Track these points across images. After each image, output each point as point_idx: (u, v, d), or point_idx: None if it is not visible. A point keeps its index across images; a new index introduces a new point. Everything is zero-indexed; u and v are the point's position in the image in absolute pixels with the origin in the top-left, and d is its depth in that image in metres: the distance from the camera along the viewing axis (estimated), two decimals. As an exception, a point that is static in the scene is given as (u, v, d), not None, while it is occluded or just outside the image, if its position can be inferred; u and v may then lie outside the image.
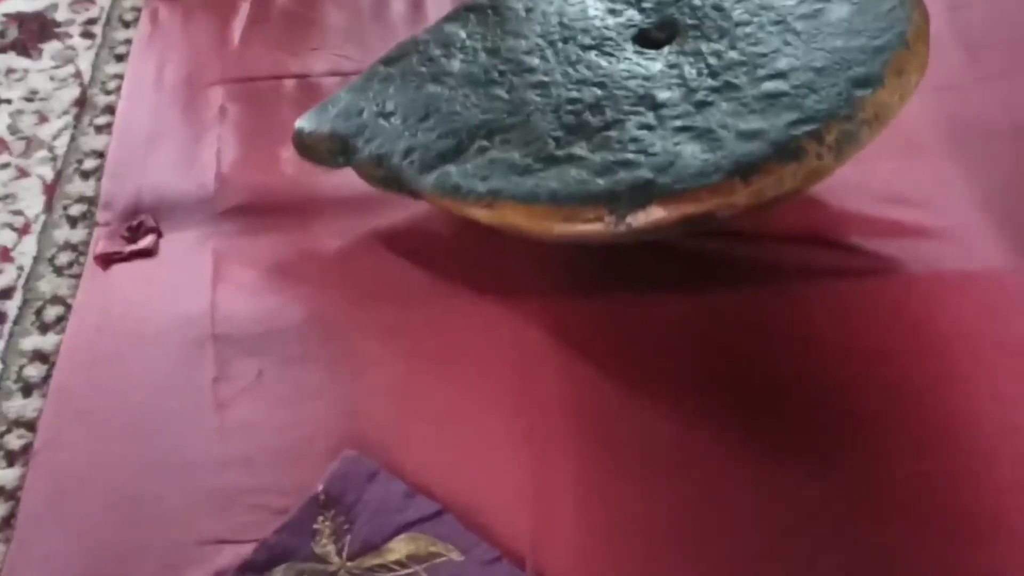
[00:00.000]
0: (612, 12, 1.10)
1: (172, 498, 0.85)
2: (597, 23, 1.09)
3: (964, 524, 0.79)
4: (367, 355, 0.95)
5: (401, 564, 0.80)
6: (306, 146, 1.08)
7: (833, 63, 0.97)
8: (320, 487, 0.85)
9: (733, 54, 1.01)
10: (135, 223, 1.08)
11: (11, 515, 0.85)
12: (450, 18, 1.14)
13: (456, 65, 1.08)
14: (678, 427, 0.88)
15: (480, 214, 0.96)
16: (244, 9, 1.34)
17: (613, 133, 0.98)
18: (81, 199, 1.13)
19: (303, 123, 1.08)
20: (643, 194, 0.92)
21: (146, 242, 1.06)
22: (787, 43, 1.01)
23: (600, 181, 0.94)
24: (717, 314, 0.95)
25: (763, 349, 0.93)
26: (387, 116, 1.05)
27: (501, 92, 1.04)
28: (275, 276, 1.02)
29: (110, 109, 1.23)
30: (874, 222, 1.02)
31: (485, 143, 1.00)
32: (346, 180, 1.06)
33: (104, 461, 0.87)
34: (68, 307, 1.01)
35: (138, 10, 1.37)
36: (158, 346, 0.96)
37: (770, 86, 0.97)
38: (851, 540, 0.79)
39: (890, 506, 0.81)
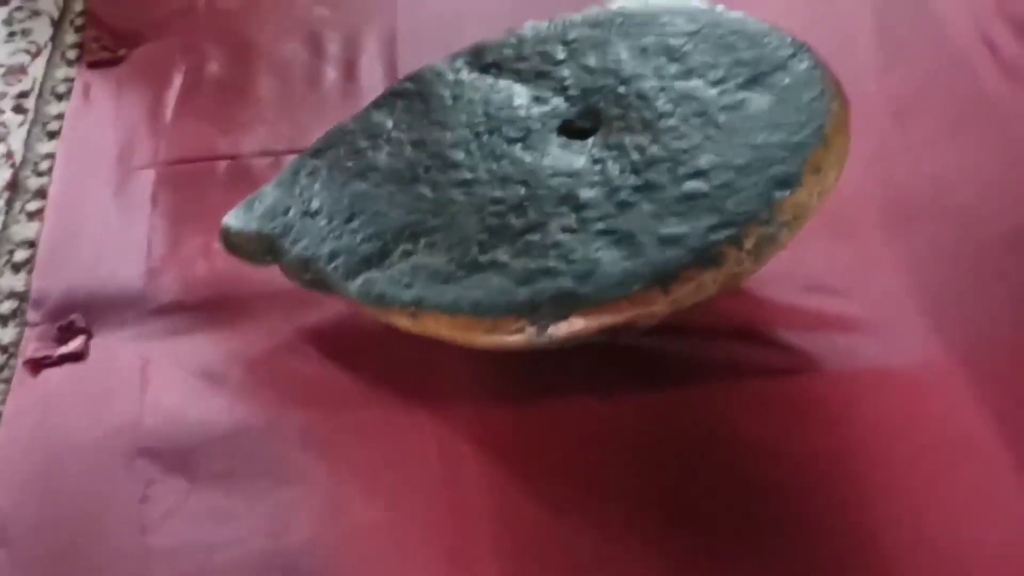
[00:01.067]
0: (537, 100, 1.10)
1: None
2: (522, 113, 1.09)
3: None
4: (294, 468, 0.95)
5: None
6: (233, 244, 1.08)
7: (754, 160, 0.98)
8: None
9: (656, 149, 1.02)
10: (65, 323, 1.08)
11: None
12: (378, 104, 1.14)
13: (382, 159, 1.08)
14: (602, 539, 0.88)
15: (405, 323, 0.97)
16: (177, 80, 1.33)
17: (535, 237, 0.98)
18: (12, 295, 1.13)
19: (230, 220, 1.08)
20: (564, 305, 0.93)
21: (75, 344, 1.06)
22: (709, 137, 1.01)
23: (522, 291, 0.94)
24: (642, 418, 0.96)
25: (687, 452, 0.94)
26: (313, 215, 1.05)
27: (426, 191, 1.04)
28: (203, 381, 1.02)
29: (42, 193, 1.23)
30: (798, 313, 1.03)
31: (409, 247, 1.00)
32: (277, 275, 1.06)
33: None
34: (-1, 416, 1.01)
35: (71, 81, 1.36)
36: (87, 461, 0.96)
37: (691, 186, 0.98)
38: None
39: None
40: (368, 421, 0.98)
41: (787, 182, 0.96)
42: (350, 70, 1.33)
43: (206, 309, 1.08)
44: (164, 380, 1.02)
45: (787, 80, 1.03)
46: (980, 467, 0.91)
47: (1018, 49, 1.25)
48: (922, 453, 0.92)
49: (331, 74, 1.32)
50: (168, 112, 1.29)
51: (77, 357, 1.05)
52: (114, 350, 1.05)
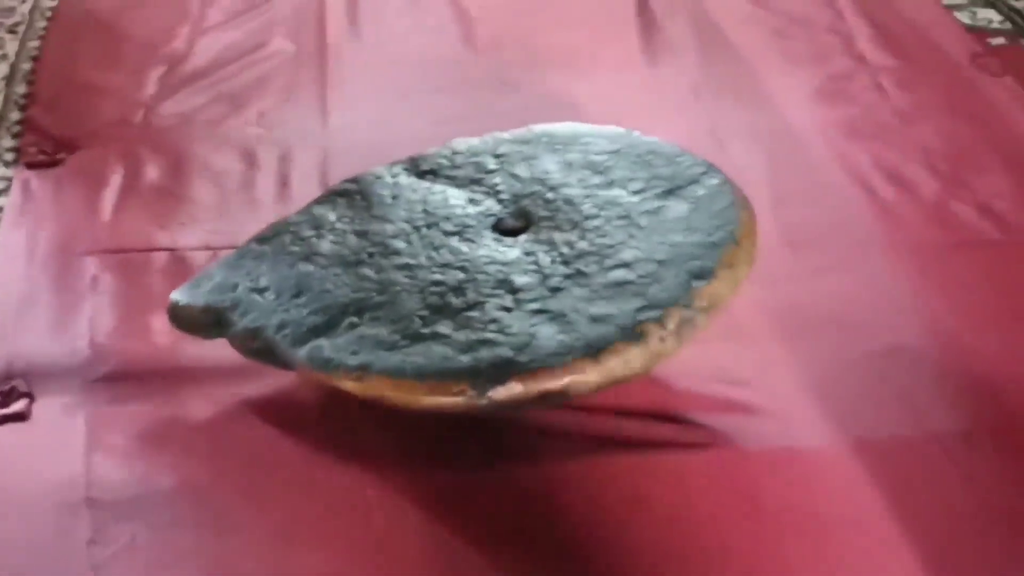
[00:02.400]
0: (472, 202, 1.19)
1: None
2: (458, 211, 1.18)
3: None
4: (236, 521, 0.99)
5: None
6: (181, 318, 1.14)
7: (673, 256, 1.08)
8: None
9: (583, 244, 1.12)
10: (7, 388, 1.11)
11: None
12: (320, 201, 1.22)
13: (326, 246, 1.16)
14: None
15: (351, 386, 1.03)
16: (116, 182, 1.40)
17: (475, 314, 1.06)
18: (-51, 367, 1.16)
19: (178, 296, 1.14)
20: (503, 371, 1.01)
21: (18, 406, 1.09)
22: (631, 236, 1.12)
23: (463, 358, 1.02)
24: (569, 485, 1.02)
25: (610, 518, 1.00)
26: (261, 291, 1.12)
27: (370, 272, 1.12)
28: (147, 443, 1.06)
29: (-21, 279, 1.27)
30: (706, 398, 1.12)
31: (355, 319, 1.07)
32: (216, 351, 1.12)
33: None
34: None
35: (9, 179, 1.41)
36: (30, 511, 0.99)
37: (617, 275, 1.08)
38: None
39: None
40: (310, 479, 1.03)
41: (703, 274, 1.06)
42: (284, 180, 1.41)
43: (148, 379, 1.13)
44: (109, 441, 1.05)
45: (700, 192, 1.15)
46: (872, 539, 0.99)
47: (893, 194, 1.40)
48: (823, 525, 1.00)
49: (265, 182, 1.40)
50: (108, 208, 1.35)
51: (20, 418, 1.08)
52: (57, 413, 1.09)
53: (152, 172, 1.42)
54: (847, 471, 1.05)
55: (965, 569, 0.96)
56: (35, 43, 1.70)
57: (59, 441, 1.06)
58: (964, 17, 1.82)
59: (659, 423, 1.10)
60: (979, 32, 1.78)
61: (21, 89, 1.59)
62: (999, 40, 1.76)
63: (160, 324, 1.17)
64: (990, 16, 1.82)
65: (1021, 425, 1.09)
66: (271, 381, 1.12)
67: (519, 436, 1.06)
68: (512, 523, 1.00)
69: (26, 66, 1.64)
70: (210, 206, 1.37)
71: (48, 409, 1.09)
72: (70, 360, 1.15)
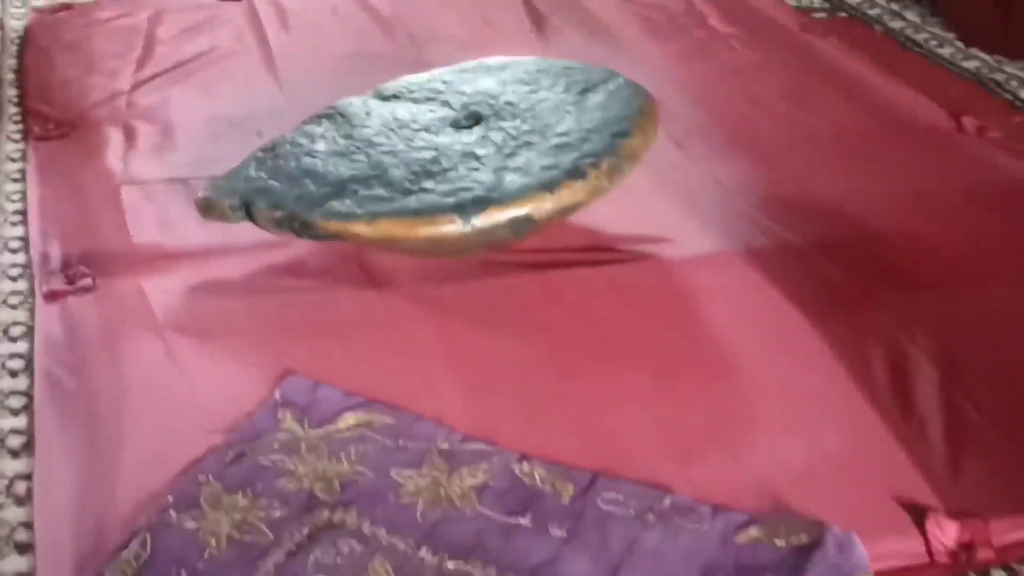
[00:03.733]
0: (431, 112, 1.50)
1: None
2: (421, 117, 1.49)
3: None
4: (288, 326, 1.29)
5: (350, 429, 1.11)
6: (210, 207, 1.40)
7: (598, 125, 1.41)
8: (277, 394, 1.15)
9: (526, 127, 1.43)
10: (72, 272, 1.37)
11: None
12: (307, 122, 1.51)
13: (321, 146, 1.45)
14: (531, 368, 1.23)
15: (363, 229, 1.31)
16: (117, 141, 1.67)
17: (451, 174, 1.36)
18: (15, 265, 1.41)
19: (206, 193, 1.41)
20: (481, 204, 1.31)
21: (84, 283, 1.35)
22: (563, 118, 1.44)
23: (448, 200, 1.32)
24: (544, 288, 1.33)
25: (573, 308, 1.31)
26: (274, 179, 1.40)
27: (361, 158, 1.41)
28: (194, 294, 1.33)
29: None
30: (629, 237, 1.44)
31: (356, 187, 1.36)
32: (240, 235, 1.39)
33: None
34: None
35: (22, 151, 1.67)
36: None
37: (557, 141, 1.39)
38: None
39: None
40: (337, 301, 1.32)
41: (624, 134, 1.39)
42: (254, 134, 1.68)
43: (187, 258, 1.39)
44: (162, 300, 1.32)
45: (611, 87, 1.49)
46: (778, 319, 1.31)
47: (754, 111, 1.76)
48: (736, 310, 1.33)
49: (238, 137, 1.67)
50: (116, 157, 1.62)
51: (86, 290, 1.34)
52: (114, 287, 1.34)
53: (145, 133, 1.69)
54: (738, 270, 1.38)
55: (813, 338, 1.27)
56: (12, 61, 1.95)
57: (122, 304, 1.31)
58: (791, 2, 2.21)
59: (600, 251, 1.41)
60: (804, 10, 2.17)
61: (12, 92, 1.84)
62: (821, 16, 2.16)
63: (183, 227, 1.44)
64: (812, 1, 2.22)
65: (856, 234, 1.44)
66: (289, 251, 1.39)
67: (499, 267, 1.35)
68: (500, 317, 1.30)
69: (10, 76, 1.89)
70: (198, 149, 1.63)
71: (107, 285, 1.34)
72: (118, 252, 1.40)
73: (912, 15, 2.13)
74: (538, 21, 2.10)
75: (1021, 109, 1.78)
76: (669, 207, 1.51)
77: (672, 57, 1.96)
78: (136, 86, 1.85)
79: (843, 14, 2.16)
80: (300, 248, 1.40)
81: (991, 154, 1.64)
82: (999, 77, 1.89)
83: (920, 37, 2.05)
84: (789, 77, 1.89)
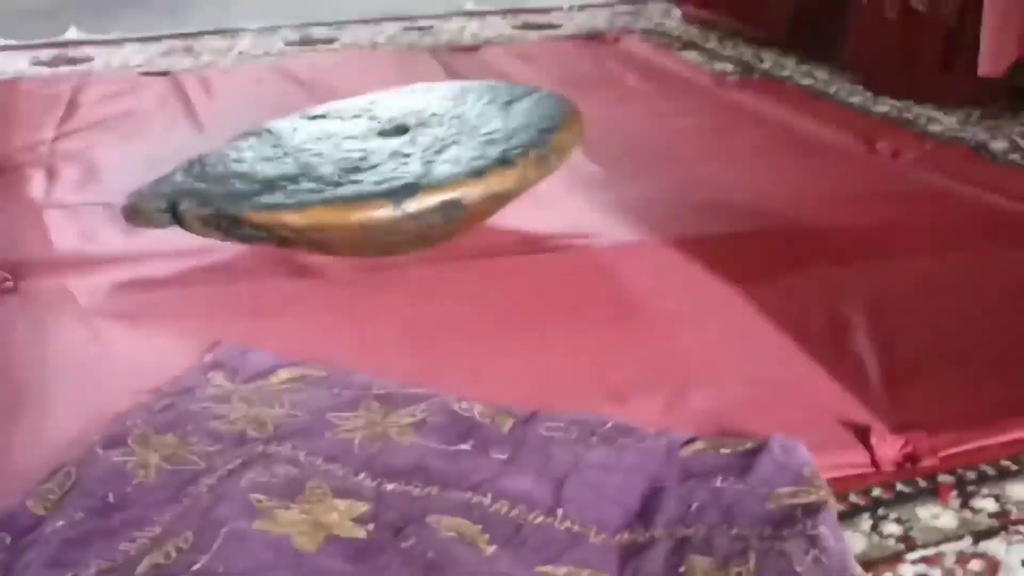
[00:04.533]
0: (358, 125, 1.51)
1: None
2: (348, 130, 1.50)
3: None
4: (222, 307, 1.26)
5: (282, 383, 1.09)
6: (138, 212, 1.39)
7: (526, 124, 1.43)
8: (206, 357, 1.12)
9: (453, 130, 1.45)
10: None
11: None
12: (233, 139, 1.51)
13: (248, 154, 1.45)
14: (468, 339, 1.22)
15: (295, 218, 1.30)
16: (39, 179, 1.65)
17: (380, 168, 1.37)
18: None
19: (132, 198, 1.40)
20: (412, 189, 1.31)
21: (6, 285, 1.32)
22: (490, 121, 1.46)
23: (379, 187, 1.32)
24: (484, 273, 1.33)
25: (513, 290, 1.31)
26: (202, 181, 1.39)
27: (288, 161, 1.41)
28: (120, 291, 1.31)
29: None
30: (555, 235, 1.45)
31: (285, 183, 1.36)
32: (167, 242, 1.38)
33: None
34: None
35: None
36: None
37: (488, 136, 1.41)
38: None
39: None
40: (266, 289, 1.30)
41: (551, 130, 1.41)
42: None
43: (113, 262, 1.37)
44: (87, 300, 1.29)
45: (536, 97, 1.51)
46: (706, 288, 1.32)
47: (676, 142, 1.80)
48: (664, 283, 1.33)
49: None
50: (41, 190, 1.61)
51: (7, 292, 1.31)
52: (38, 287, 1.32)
53: (68, 172, 1.68)
54: (663, 254, 1.39)
55: (741, 302, 1.28)
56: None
57: (46, 300, 1.28)
58: (705, 67, 2.28)
59: (535, 241, 1.42)
60: (718, 73, 2.24)
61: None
62: (734, 77, 2.23)
63: (107, 237, 1.42)
64: (726, 67, 2.29)
65: (776, 225, 1.47)
66: (217, 255, 1.37)
67: (430, 260, 1.35)
68: (434, 292, 1.29)
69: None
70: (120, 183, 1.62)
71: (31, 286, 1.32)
72: (41, 259, 1.38)
73: (822, 74, 2.21)
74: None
75: (933, 138, 1.84)
76: (594, 211, 1.53)
77: (593, 105, 1.98)
78: (59, 137, 1.84)
79: (755, 76, 2.23)
80: (228, 251, 1.38)
81: (904, 169, 1.69)
82: (908, 116, 1.95)
83: (831, 90, 2.12)
84: (706, 118, 1.93)
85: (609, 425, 1.00)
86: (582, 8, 2.79)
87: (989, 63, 1.85)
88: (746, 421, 1.03)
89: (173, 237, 1.38)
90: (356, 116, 1.55)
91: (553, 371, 1.13)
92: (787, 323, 1.22)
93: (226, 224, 1.35)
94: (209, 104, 2.01)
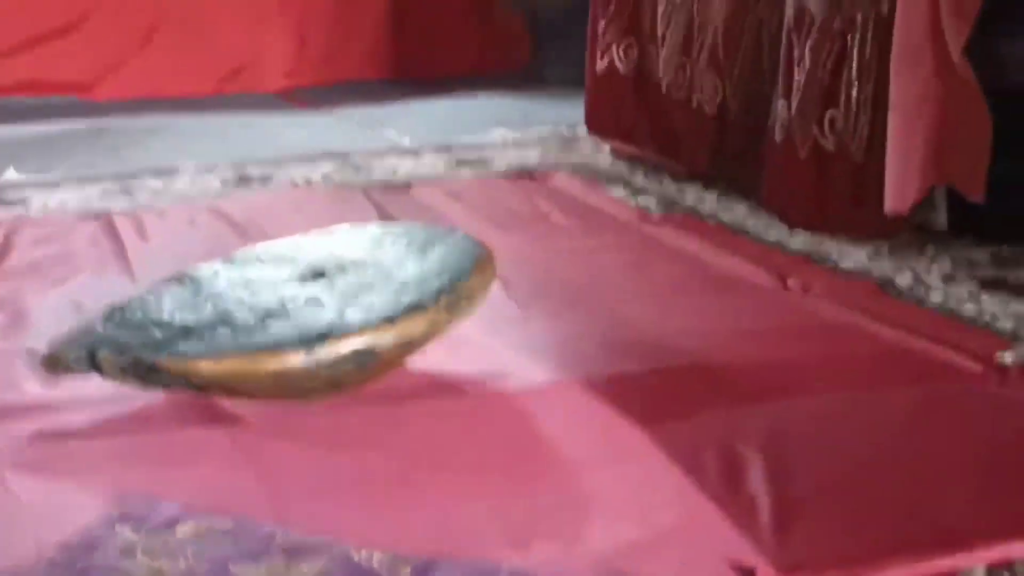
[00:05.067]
0: (277, 270, 1.55)
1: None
2: (267, 275, 1.54)
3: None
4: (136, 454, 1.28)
5: (187, 535, 1.11)
6: (55, 361, 1.41)
7: (439, 270, 1.47)
8: (113, 508, 1.15)
9: (369, 275, 1.49)
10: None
11: None
12: (154, 284, 1.55)
13: (167, 301, 1.48)
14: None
15: (209, 366, 1.34)
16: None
17: (295, 314, 1.41)
18: None
19: (52, 347, 1.42)
20: (324, 337, 1.35)
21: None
22: (405, 266, 1.50)
23: (293, 335, 1.36)
24: (386, 421, 1.36)
25: (419, 435, 1.34)
26: (121, 329, 1.42)
27: (207, 307, 1.45)
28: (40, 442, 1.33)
29: None
30: (470, 377, 1.48)
31: (202, 331, 1.39)
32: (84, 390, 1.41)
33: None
34: None
35: None
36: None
37: (401, 282, 1.45)
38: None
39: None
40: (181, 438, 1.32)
41: (462, 276, 1.46)
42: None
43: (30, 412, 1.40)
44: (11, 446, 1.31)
45: (451, 241, 1.56)
46: (612, 429, 1.36)
47: (595, 278, 1.85)
48: (572, 424, 1.37)
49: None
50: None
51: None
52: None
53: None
54: (574, 395, 1.43)
55: (646, 442, 1.32)
56: None
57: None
58: (630, 203, 2.35)
59: (439, 389, 1.45)
60: (643, 209, 2.31)
61: None
62: (658, 212, 2.30)
63: (25, 386, 1.45)
64: (650, 202, 2.36)
65: (686, 362, 1.52)
66: (134, 402, 1.40)
67: (345, 405, 1.38)
68: (347, 440, 1.32)
69: None
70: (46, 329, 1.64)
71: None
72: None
73: (741, 208, 2.27)
74: (389, 221, 2.18)
75: (843, 273, 1.90)
76: (509, 352, 1.57)
77: (516, 242, 2.05)
78: (-16, 284, 1.87)
79: (678, 211, 2.29)
80: (145, 399, 1.41)
81: (813, 304, 1.74)
82: (822, 251, 2.01)
83: (749, 224, 2.18)
84: (626, 254, 1.99)
85: (503, 573, 1.03)
86: (515, 144, 2.86)
87: (894, 201, 1.92)
88: (641, 563, 1.06)
89: (91, 385, 1.40)
90: (277, 261, 1.59)
91: (456, 517, 1.16)
92: (687, 464, 1.25)
93: (143, 372, 1.38)
94: (141, 247, 2.05)
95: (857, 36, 1.96)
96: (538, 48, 3.78)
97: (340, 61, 3.82)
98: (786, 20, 2.09)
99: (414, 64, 3.87)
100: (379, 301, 1.42)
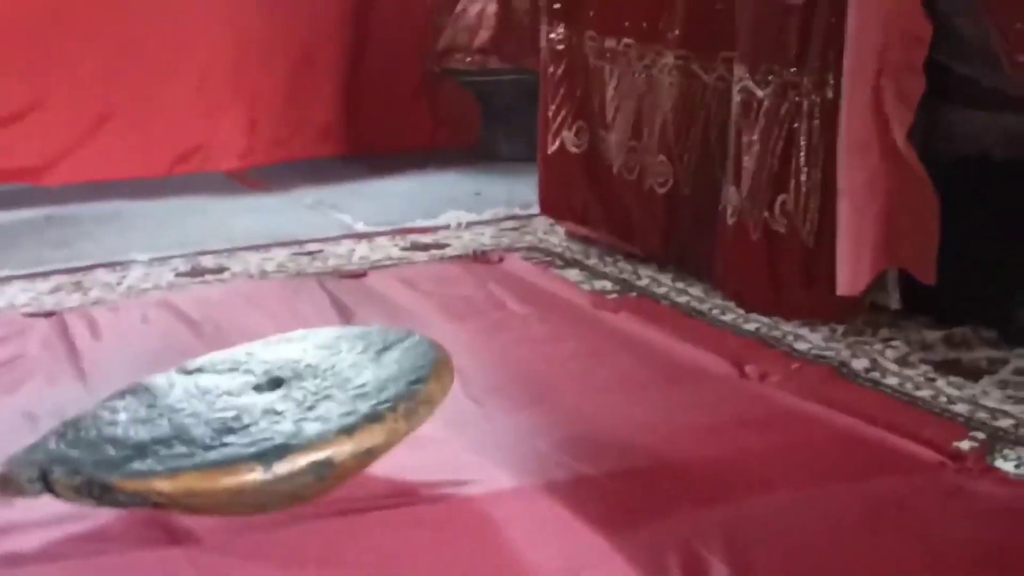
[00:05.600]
0: (234, 379, 1.54)
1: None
2: (224, 384, 1.53)
3: None
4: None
5: None
6: (6, 482, 1.39)
7: (396, 376, 1.47)
8: None
9: (326, 384, 1.49)
10: None
11: None
12: (110, 397, 1.53)
13: (123, 415, 1.46)
14: None
15: (164, 485, 1.32)
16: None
17: (252, 429, 1.40)
18: None
19: (3, 466, 1.40)
20: (282, 451, 1.34)
21: None
22: (362, 372, 1.50)
23: (249, 450, 1.35)
24: (352, 530, 1.35)
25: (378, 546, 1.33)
26: (74, 448, 1.40)
27: (163, 423, 1.43)
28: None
29: None
30: (431, 483, 1.48)
31: (157, 448, 1.38)
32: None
33: None
34: None
35: None
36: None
37: (355, 391, 1.45)
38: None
39: None
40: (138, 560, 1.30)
41: (420, 382, 1.46)
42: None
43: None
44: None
45: (407, 344, 1.56)
46: (574, 538, 1.36)
47: (550, 370, 1.86)
48: (535, 534, 1.37)
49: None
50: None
51: None
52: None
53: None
54: (536, 501, 1.43)
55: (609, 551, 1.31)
56: None
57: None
58: (585, 287, 2.36)
59: (400, 497, 1.44)
60: (596, 292, 2.32)
61: None
62: (612, 296, 2.31)
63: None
64: (604, 285, 2.37)
65: (647, 463, 1.52)
66: (89, 521, 1.38)
67: (305, 516, 1.37)
68: (306, 558, 1.31)
69: None
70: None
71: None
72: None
73: (696, 291, 2.29)
74: (344, 312, 2.18)
75: (798, 357, 1.91)
76: (469, 454, 1.57)
77: (472, 333, 2.05)
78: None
79: (633, 294, 2.31)
80: (101, 517, 1.39)
81: (770, 393, 1.75)
82: (777, 334, 2.03)
83: (704, 307, 2.20)
84: (582, 343, 1.99)
85: None
86: (469, 226, 2.87)
87: (846, 284, 1.94)
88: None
89: (45, 505, 1.38)
90: (232, 369, 1.58)
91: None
92: (648, 570, 1.25)
93: (98, 492, 1.36)
94: (94, 348, 2.03)
95: (804, 122, 1.99)
96: (489, 125, 3.80)
97: (293, 140, 3.83)
98: (734, 107, 2.11)
99: (367, 142, 3.89)
100: (336, 411, 1.41)
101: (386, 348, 1.56)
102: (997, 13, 1.71)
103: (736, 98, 2.11)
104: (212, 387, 1.52)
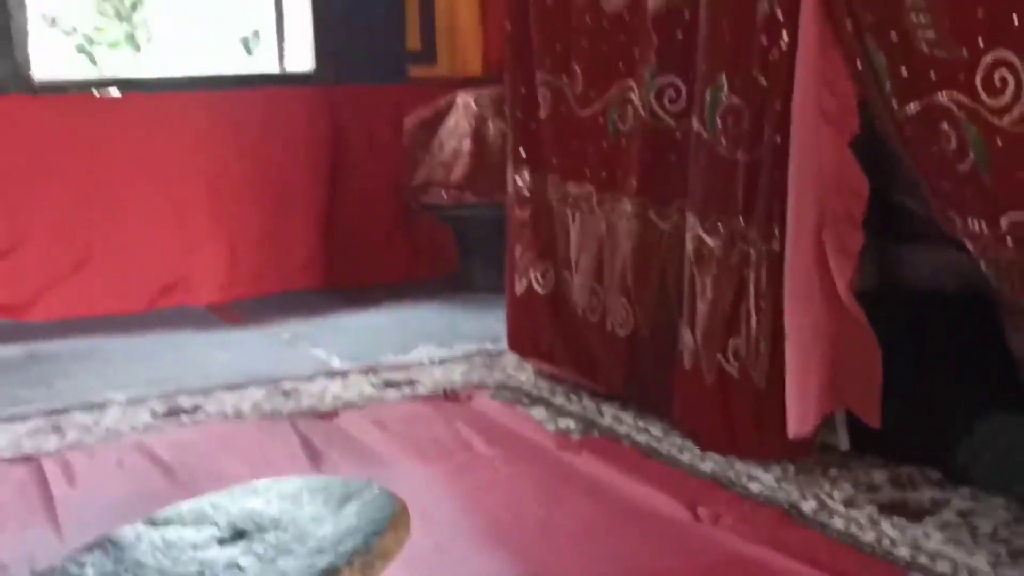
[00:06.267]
0: (198, 532, 1.60)
1: None
2: (189, 538, 1.58)
3: None
4: None
5: None
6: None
7: (354, 529, 1.53)
8: None
9: (287, 536, 1.54)
10: None
11: None
12: (77, 551, 1.59)
13: (89, 572, 1.52)
14: None
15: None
16: None
17: (215, 582, 1.45)
18: None
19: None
20: (240, 603, 1.39)
21: None
22: (322, 525, 1.56)
23: (212, 603, 1.40)
24: None
25: None
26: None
27: (128, 577, 1.49)
28: None
29: None
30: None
31: (122, 603, 1.43)
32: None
33: None
34: None
35: None
36: None
37: (315, 545, 1.51)
38: None
39: None
40: None
41: (376, 534, 1.51)
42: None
43: None
44: None
45: (367, 496, 1.62)
46: None
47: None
48: None
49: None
50: None
51: None
52: None
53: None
54: None
55: None
56: None
57: None
58: (550, 426, 2.42)
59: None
60: (561, 432, 2.38)
61: None
62: (576, 436, 2.37)
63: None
64: (569, 424, 2.44)
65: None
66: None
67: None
68: None
69: None
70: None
71: None
72: None
73: (656, 430, 2.36)
74: (314, 456, 2.25)
75: (751, 499, 1.98)
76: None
77: (438, 476, 2.12)
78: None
79: (596, 432, 2.37)
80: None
81: (722, 537, 1.81)
82: (731, 475, 2.09)
83: (663, 447, 2.26)
84: (543, 487, 2.06)
85: None
86: (441, 362, 2.94)
87: (796, 425, 2.01)
88: None
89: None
90: (198, 521, 1.63)
91: None
92: None
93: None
94: (69, 495, 2.09)
95: (752, 271, 2.08)
96: (466, 257, 3.90)
97: (272, 273, 3.93)
98: (687, 253, 2.20)
99: (345, 275, 3.99)
100: (295, 566, 1.46)
101: (346, 499, 1.62)
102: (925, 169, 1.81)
103: (689, 245, 2.20)
104: (177, 540, 1.58)
